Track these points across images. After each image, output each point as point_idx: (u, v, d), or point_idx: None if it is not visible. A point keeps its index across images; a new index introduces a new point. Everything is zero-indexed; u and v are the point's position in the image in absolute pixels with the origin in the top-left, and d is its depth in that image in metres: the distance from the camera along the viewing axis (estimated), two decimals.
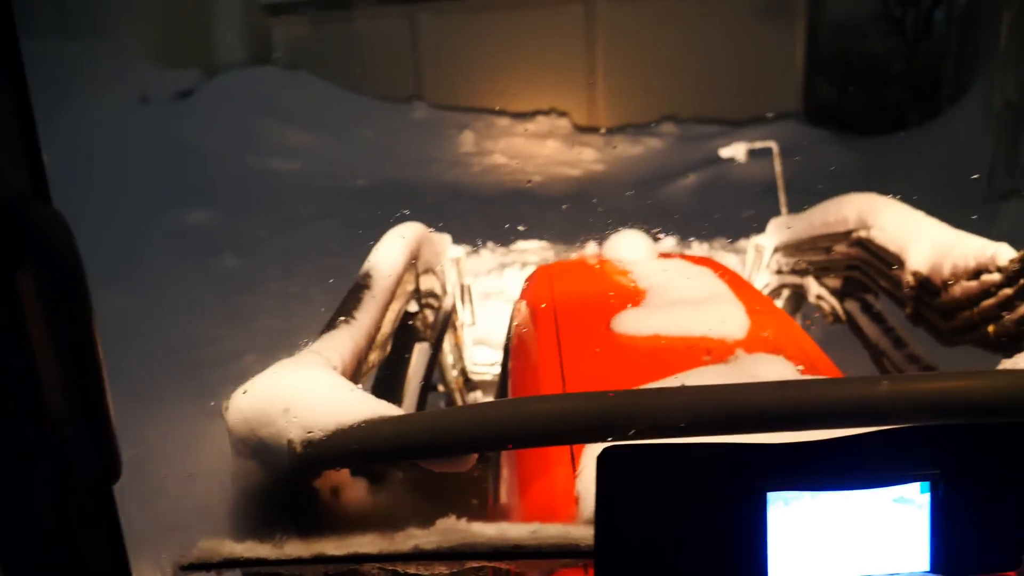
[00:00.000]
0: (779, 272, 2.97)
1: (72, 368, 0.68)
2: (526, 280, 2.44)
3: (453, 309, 2.95)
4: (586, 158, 11.98)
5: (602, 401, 0.79)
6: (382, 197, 8.55)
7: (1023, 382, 0.80)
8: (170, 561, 0.87)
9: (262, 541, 0.89)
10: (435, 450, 0.89)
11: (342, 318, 1.42)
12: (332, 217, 7.75)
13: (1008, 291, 1.40)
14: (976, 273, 1.51)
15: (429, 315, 2.37)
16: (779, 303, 3.10)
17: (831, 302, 2.35)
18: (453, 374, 3.44)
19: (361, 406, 0.98)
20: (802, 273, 2.64)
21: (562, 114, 14.12)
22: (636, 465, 0.75)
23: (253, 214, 7.62)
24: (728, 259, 6.06)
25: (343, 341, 1.32)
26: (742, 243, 6.06)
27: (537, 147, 12.45)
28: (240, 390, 1.07)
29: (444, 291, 2.75)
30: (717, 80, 12.73)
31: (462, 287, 3.36)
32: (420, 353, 2.22)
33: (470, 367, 3.70)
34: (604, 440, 0.77)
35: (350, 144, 11.27)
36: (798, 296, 2.88)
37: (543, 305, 1.94)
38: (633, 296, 1.88)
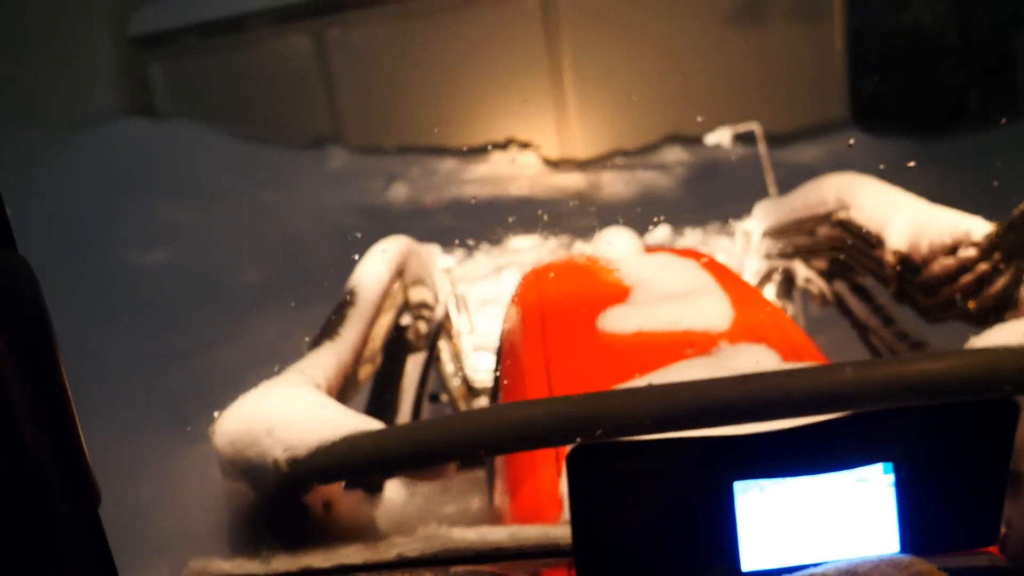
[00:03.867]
0: (768, 256, 2.98)
1: (44, 406, 0.70)
2: (518, 284, 2.46)
3: (447, 318, 2.97)
4: (562, 213, 8.58)
5: (567, 405, 0.81)
6: (277, 301, 5.01)
7: (983, 361, 0.81)
8: None
9: (251, 558, 0.91)
10: (412, 462, 0.91)
11: (326, 336, 1.44)
12: (185, 360, 4.62)
13: (984, 266, 1.41)
14: (953, 248, 1.52)
15: (422, 327, 2.38)
16: (771, 287, 3.11)
17: (819, 284, 2.36)
18: (455, 383, 3.45)
19: (342, 422, 1.01)
20: (790, 256, 2.66)
21: (524, 145, 10.38)
22: (605, 463, 0.76)
23: (78, 376, 3.36)
24: (722, 243, 6.04)
25: (327, 358, 1.34)
26: (736, 225, 6.00)
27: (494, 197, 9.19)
28: (225, 413, 1.09)
29: (436, 301, 2.76)
30: (732, 81, 9.07)
31: (456, 296, 3.38)
32: (414, 365, 2.24)
33: (471, 374, 3.71)
34: (571, 443, 0.78)
35: (242, 214, 7.82)
36: (789, 280, 2.89)
37: (530, 308, 1.95)
38: (619, 293, 1.90)
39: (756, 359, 1.25)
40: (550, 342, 1.68)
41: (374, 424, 1.00)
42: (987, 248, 1.40)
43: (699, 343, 1.49)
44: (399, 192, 9.34)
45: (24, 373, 0.67)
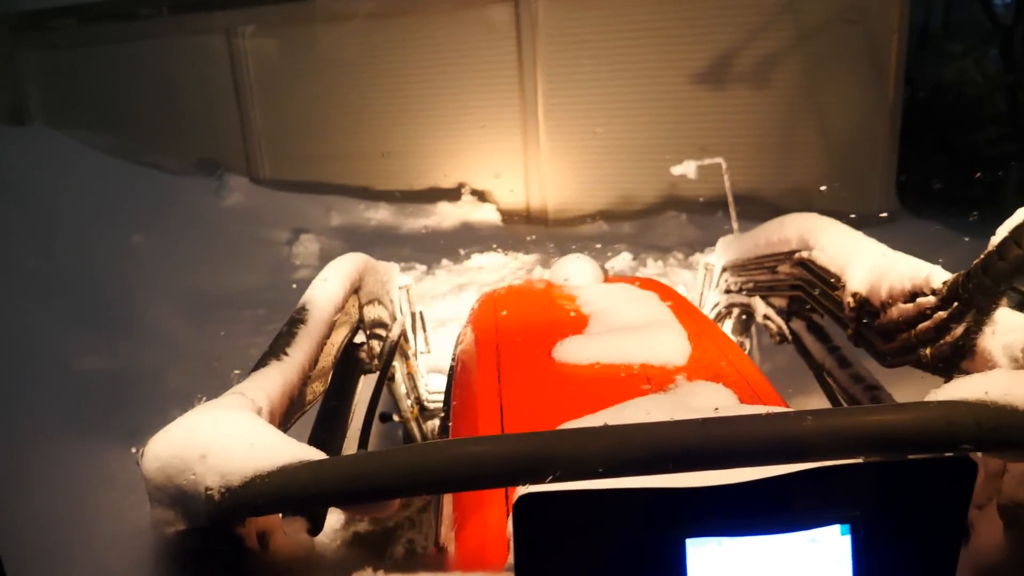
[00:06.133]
0: (728, 291, 2.98)
1: None
2: (473, 306, 2.42)
3: (403, 338, 2.91)
4: None
5: (519, 444, 0.77)
6: (108, 407, 3.46)
7: (942, 415, 0.80)
8: None
9: None
10: (353, 496, 0.86)
11: (273, 355, 1.38)
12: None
13: (943, 314, 1.41)
14: (912, 295, 1.52)
15: (376, 346, 2.33)
16: (729, 322, 3.11)
17: (777, 322, 2.36)
18: (407, 403, 3.39)
19: (281, 451, 0.95)
20: (749, 292, 2.66)
21: (478, 195, 8.19)
22: (554, 511, 0.73)
23: None
24: (683, 275, 6.05)
25: (272, 379, 1.28)
26: (696, 257, 5.92)
27: (428, 284, 6.13)
28: (157, 436, 1.03)
29: (393, 320, 2.71)
30: (758, 143, 7.23)
31: (413, 315, 3.32)
32: (366, 385, 2.18)
33: (425, 395, 3.65)
34: (522, 484, 0.75)
35: (94, 266, 5.31)
36: (748, 315, 2.89)
37: (486, 333, 1.91)
38: (577, 322, 1.87)
39: (714, 399, 1.22)
40: (504, 370, 1.64)
41: (314, 454, 0.95)
42: (946, 297, 1.40)
43: (656, 379, 1.47)
44: (306, 251, 6.66)
45: None
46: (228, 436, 0.99)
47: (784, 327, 2.33)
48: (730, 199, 4.68)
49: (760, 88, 7.41)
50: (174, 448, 0.99)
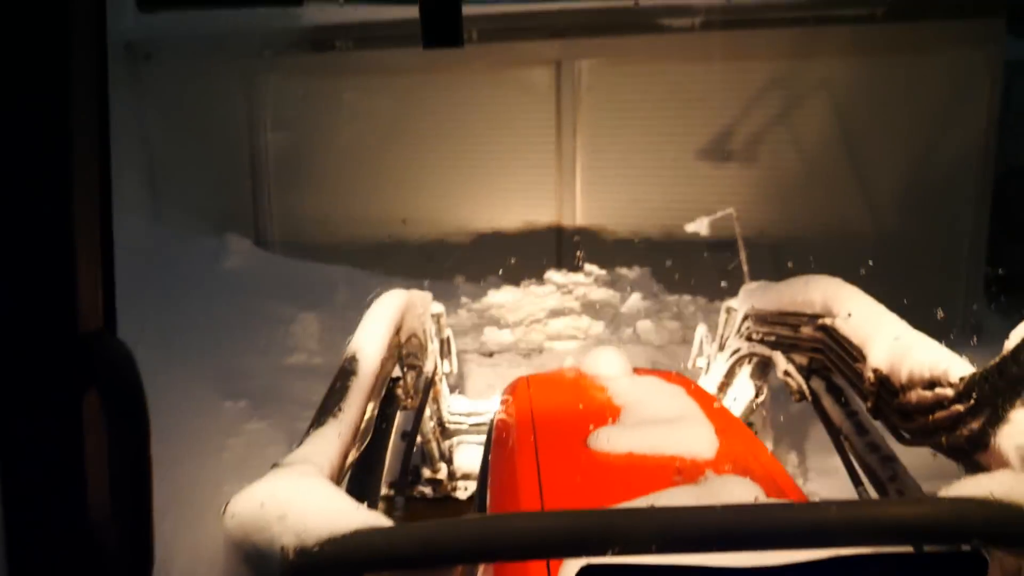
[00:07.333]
0: (750, 339, 3.07)
1: (125, 479, 0.78)
2: (505, 391, 2.54)
3: (434, 369, 3.02)
4: None
5: (580, 519, 0.87)
6: None
7: (956, 509, 0.89)
8: None
9: None
10: (422, 561, 0.96)
11: (328, 413, 1.49)
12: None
13: (959, 407, 1.49)
14: (931, 384, 1.61)
15: (410, 379, 2.43)
16: (748, 368, 3.20)
17: (797, 380, 2.45)
18: (431, 424, 3.50)
19: (353, 515, 1.05)
20: (771, 346, 2.74)
21: (505, 271, 7.25)
22: None
23: None
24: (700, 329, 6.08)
25: (330, 441, 1.39)
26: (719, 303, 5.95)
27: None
28: (238, 495, 1.13)
29: (425, 351, 2.81)
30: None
31: (442, 340, 3.43)
32: (402, 418, 2.28)
33: (446, 416, 3.76)
34: (582, 556, 0.85)
35: None
36: (765, 366, 2.98)
37: (522, 418, 2.03)
38: (609, 412, 2.00)
39: (742, 493, 1.32)
40: (543, 455, 1.76)
41: (383, 520, 1.05)
42: (963, 391, 1.49)
43: (686, 471, 1.58)
44: (305, 332, 5.79)
45: (115, 445, 0.75)
46: (305, 499, 1.09)
47: (804, 385, 2.41)
48: (740, 246, 4.84)
49: (819, 166, 7.11)
50: (255, 506, 1.09)
